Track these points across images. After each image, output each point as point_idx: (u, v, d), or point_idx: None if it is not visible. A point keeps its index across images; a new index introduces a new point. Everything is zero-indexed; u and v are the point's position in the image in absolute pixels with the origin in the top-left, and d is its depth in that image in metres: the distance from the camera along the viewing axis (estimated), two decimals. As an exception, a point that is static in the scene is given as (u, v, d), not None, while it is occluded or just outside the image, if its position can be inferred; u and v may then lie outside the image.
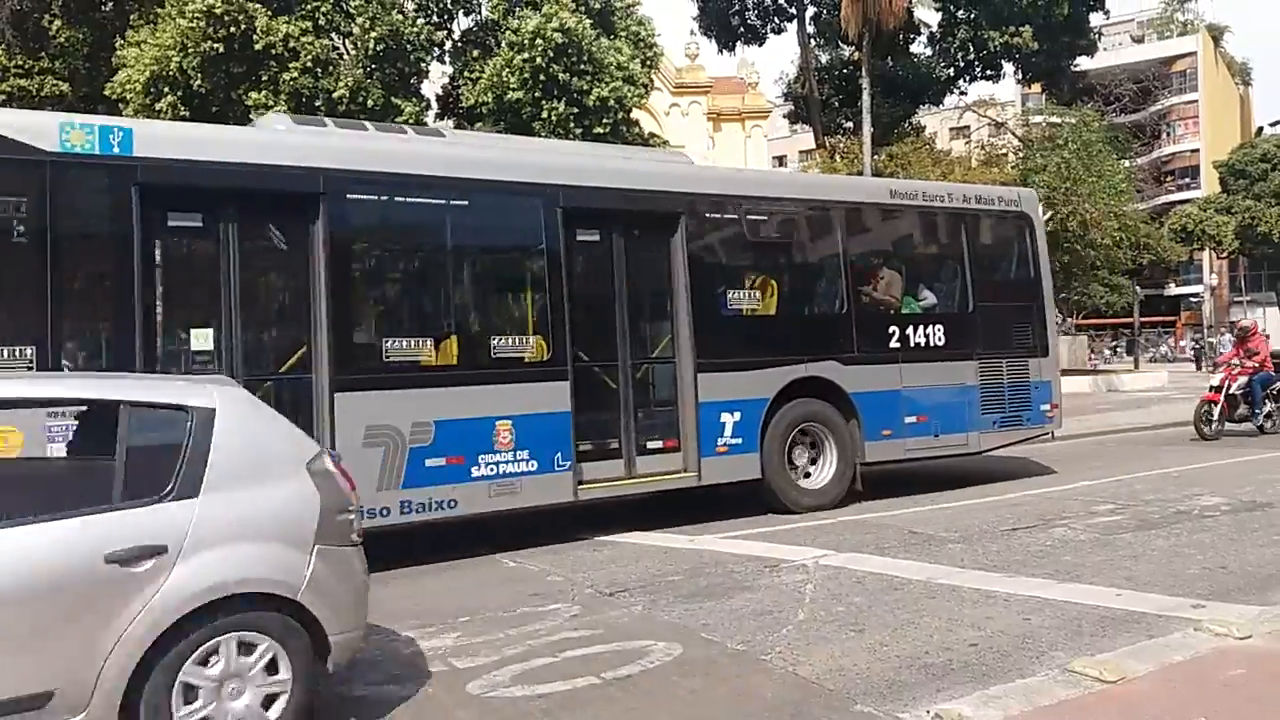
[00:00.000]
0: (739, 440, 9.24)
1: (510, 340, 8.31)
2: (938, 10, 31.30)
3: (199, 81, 17.32)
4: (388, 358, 7.70)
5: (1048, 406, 11.33)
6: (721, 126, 41.00)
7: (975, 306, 10.99)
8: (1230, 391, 14.97)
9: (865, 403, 9.98)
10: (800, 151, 50.93)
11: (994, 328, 11.01)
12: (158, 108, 17.04)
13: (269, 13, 17.36)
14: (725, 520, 9.23)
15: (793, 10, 32.41)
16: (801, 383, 9.62)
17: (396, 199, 8.07)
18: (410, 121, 18.64)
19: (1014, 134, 33.20)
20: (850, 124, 31.86)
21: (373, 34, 17.76)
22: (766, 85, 42.87)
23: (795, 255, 10.31)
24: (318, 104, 17.58)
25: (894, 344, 10.34)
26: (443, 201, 8.29)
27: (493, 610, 6.24)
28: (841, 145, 28.27)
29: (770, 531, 8.70)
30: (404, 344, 7.84)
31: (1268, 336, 17.44)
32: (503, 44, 18.74)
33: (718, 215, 9.65)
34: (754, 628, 5.65)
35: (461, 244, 8.55)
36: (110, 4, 21.87)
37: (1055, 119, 31.60)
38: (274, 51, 17.30)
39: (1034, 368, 11.26)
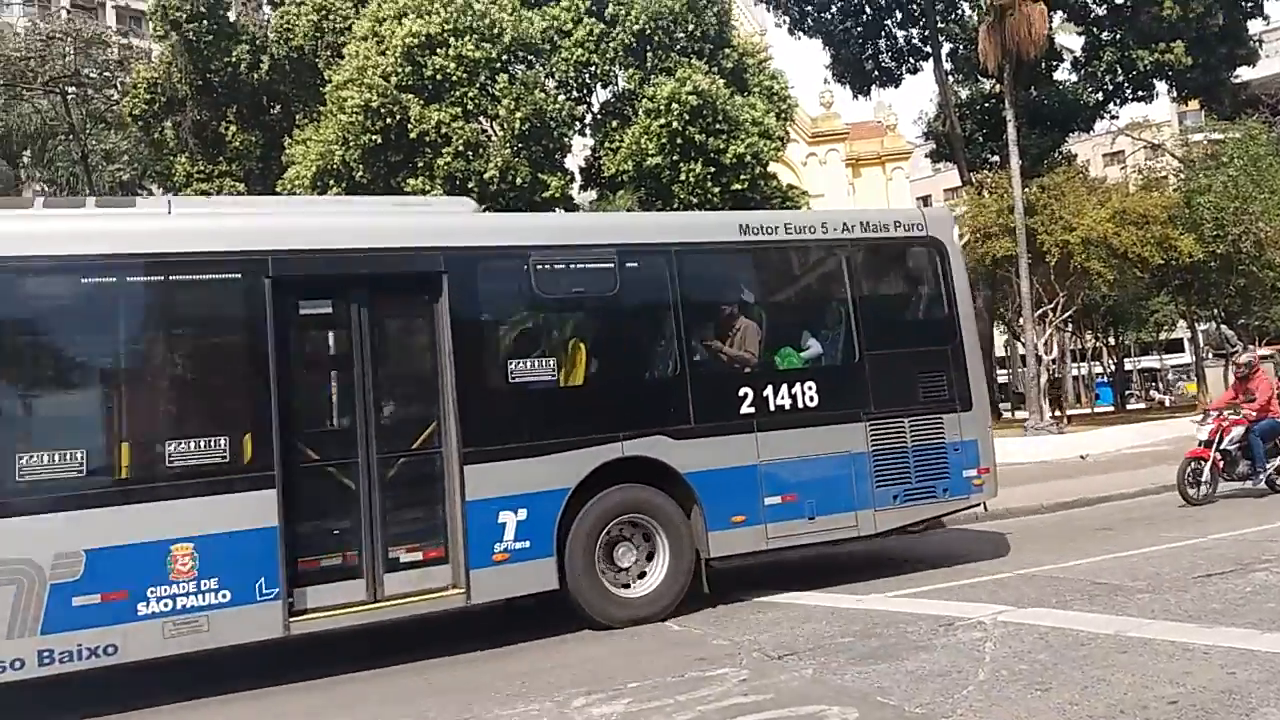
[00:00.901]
0: (526, 544, 7.58)
1: (192, 444, 6.88)
2: (1080, 34, 30.33)
3: (360, 172, 18.47)
4: (20, 476, 6.42)
5: (974, 472, 9.18)
6: (861, 172, 40.62)
7: (863, 356, 9.00)
8: (1223, 446, 12.04)
9: (706, 484, 8.20)
10: (945, 190, 49.95)
11: (891, 380, 9.01)
12: (322, 201, 18.22)
13: (421, 102, 18.41)
14: (893, 577, 8.98)
15: (927, 49, 32.04)
16: (618, 465, 7.97)
17: (57, 283, 6.90)
18: (556, 196, 19.38)
19: (1173, 155, 31.56)
20: (996, 158, 31.04)
21: (518, 114, 18.55)
22: (905, 126, 42.52)
23: (608, 312, 8.51)
24: (470, 185, 18.44)
25: (747, 409, 8.48)
26: (112, 281, 6.95)
27: (660, 675, 6.25)
28: (989, 180, 27.51)
29: (943, 588, 8.39)
30: (43, 458, 6.51)
31: None
32: (640, 112, 19.26)
33: (498, 272, 8.12)
34: (933, 689, 5.46)
35: (134, 330, 7.22)
36: (278, 107, 23.67)
37: (1217, 135, 29.91)
38: (428, 139, 18.31)
39: (951, 426, 9.11)
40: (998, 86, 28.23)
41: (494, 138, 19.82)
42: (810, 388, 8.76)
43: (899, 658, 6.20)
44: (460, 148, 18.47)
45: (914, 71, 33.44)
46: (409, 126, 18.28)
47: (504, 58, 19.09)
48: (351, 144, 18.35)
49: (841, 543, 9.04)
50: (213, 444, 6.92)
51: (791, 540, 8.64)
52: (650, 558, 8.15)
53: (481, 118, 19.66)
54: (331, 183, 18.53)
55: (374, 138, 18.28)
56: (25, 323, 6.91)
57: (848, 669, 6.06)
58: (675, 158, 18.68)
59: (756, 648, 6.81)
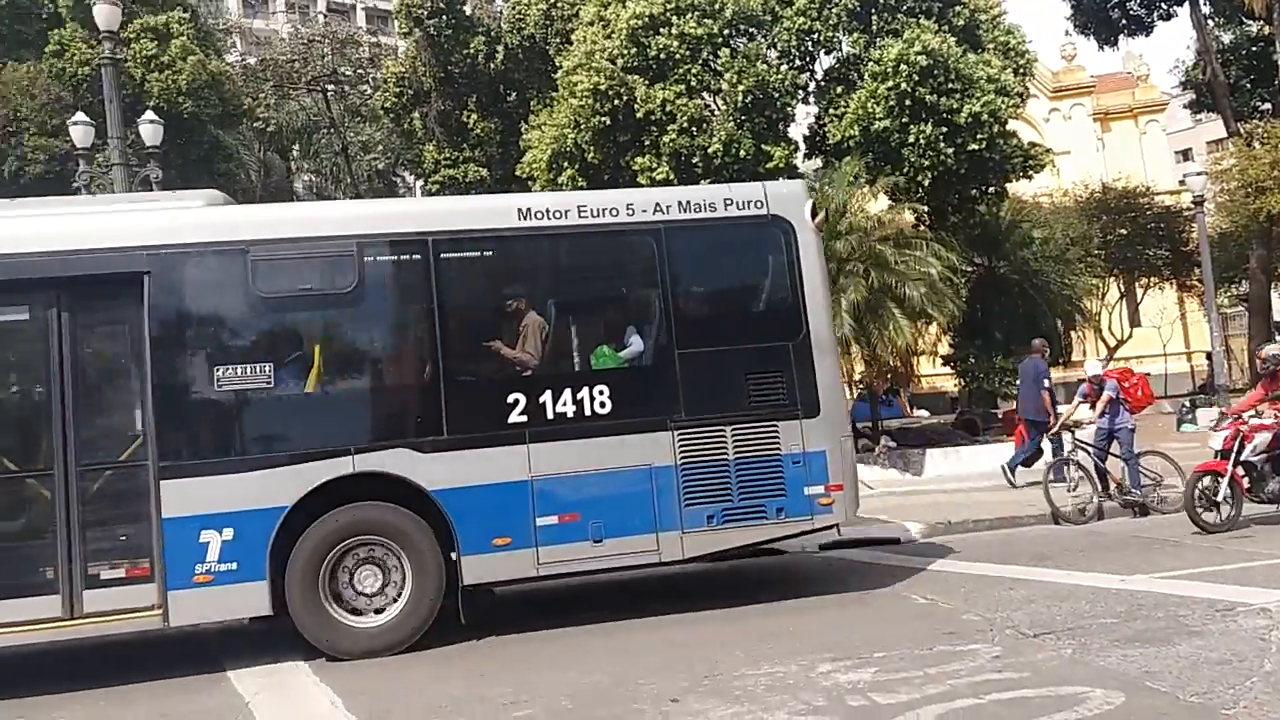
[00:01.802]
0: (233, 565, 7.00)
1: None
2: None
3: (591, 153, 19.03)
4: None
5: (820, 489, 7.89)
6: (1111, 126, 37.77)
7: (672, 355, 7.95)
8: (1244, 458, 9.69)
9: (459, 503, 7.33)
10: (1208, 143, 45.53)
11: (709, 382, 7.92)
12: (559, 181, 18.92)
13: (646, 82, 18.70)
14: (1162, 560, 8.41)
15: (1183, -9, 29.27)
16: (351, 481, 7.25)
17: None
18: (780, 166, 19.25)
19: None
20: (1267, 105, 28.02)
21: (740, 88, 18.49)
22: (1158, 76, 38.99)
23: (344, 312, 7.82)
24: (694, 160, 18.61)
25: (517, 417, 7.55)
26: None
27: (907, 647, 6.15)
28: (1260, 130, 24.88)
29: (1217, 571, 7.77)
30: None
31: None
32: (865, 76, 18.73)
33: (208, 270, 7.45)
34: (1210, 678, 5.08)
35: None
36: (514, 95, 24.77)
37: None
38: (653, 117, 18.58)
39: (789, 435, 7.88)
40: (1266, 28, 25.43)
41: (717, 112, 19.87)
42: (601, 392, 7.70)
43: (1169, 642, 5.81)
44: (684, 124, 18.62)
45: (1166, 17, 30.58)
46: (635, 106, 18.61)
47: (725, 32, 19.06)
48: (583, 126, 18.91)
49: (642, 568, 8.05)
50: None
51: (571, 566, 7.65)
52: (397, 586, 7.33)
53: (704, 93, 19.75)
54: (565, 164, 19.20)
55: (603, 119, 18.75)
56: None
57: (1111, 650, 5.75)
58: (904, 120, 18.02)
59: (1010, 625, 6.57)
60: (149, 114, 17.77)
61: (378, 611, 7.30)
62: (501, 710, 5.54)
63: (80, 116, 17.62)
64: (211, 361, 7.35)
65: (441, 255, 7.74)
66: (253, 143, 31.76)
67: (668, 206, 8.20)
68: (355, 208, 9.57)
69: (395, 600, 7.30)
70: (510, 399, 7.57)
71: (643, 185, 19.07)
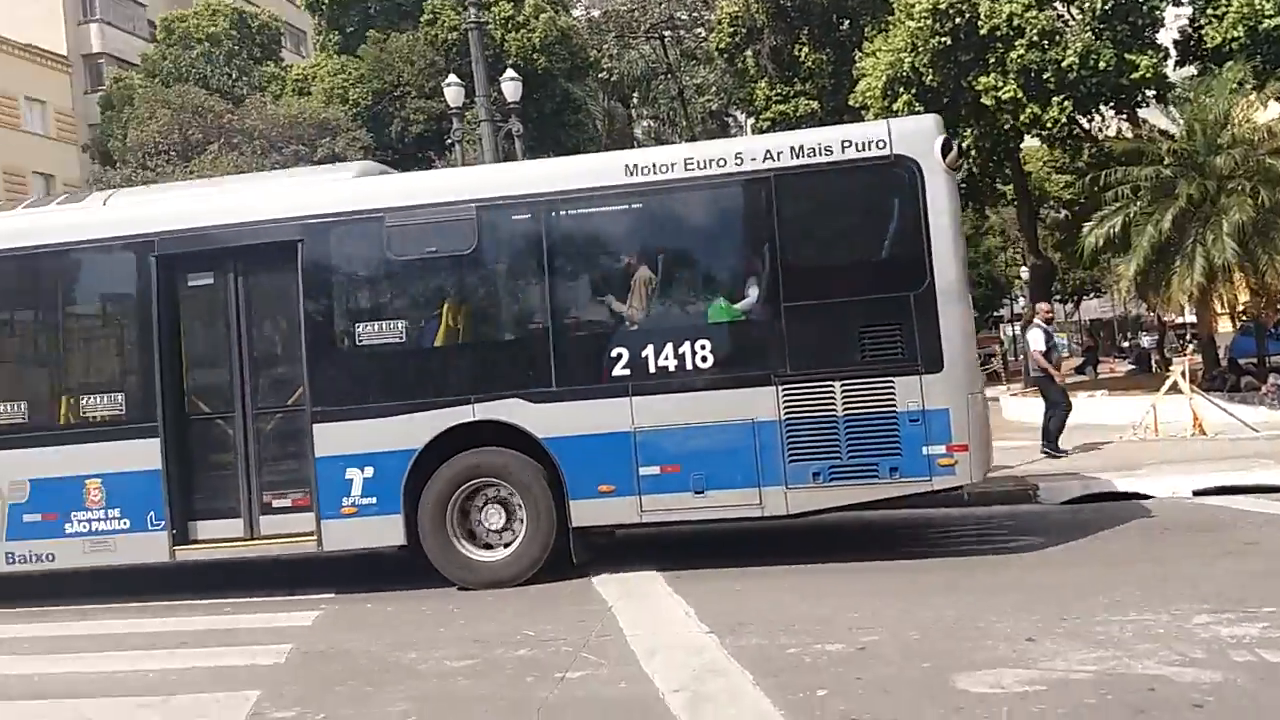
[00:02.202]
0: (373, 500, 7.77)
1: (98, 399, 8.34)
2: None
3: (930, 76, 18.26)
4: None
5: (940, 449, 7.33)
6: None
7: (780, 309, 7.67)
8: None
9: (566, 451, 7.65)
10: None
11: (817, 335, 7.65)
12: (895, 108, 18.34)
13: (990, -4, 17.56)
14: None
15: None
16: (472, 428, 7.75)
17: (12, 271, 8.59)
18: (1146, 76, 17.42)
19: None
20: None
21: (1101, -7, 16.88)
22: None
23: (465, 272, 8.30)
24: (1046, 76, 17.29)
25: (621, 369, 7.67)
26: (44, 268, 8.65)
27: (1302, 605, 5.55)
28: None
29: None
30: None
31: None
32: (1256, -35, 16.36)
33: (349, 237, 8.21)
34: None
35: (60, 308, 8.91)
36: (847, 23, 24.19)
37: None
38: (999, 33, 17.45)
39: (907, 391, 7.37)
40: None
41: (1071, 22, 18.27)
42: (703, 347, 7.65)
43: None
44: (1034, 38, 17.32)
45: None
46: (978, 23, 17.55)
47: (1083, -68, 17.41)
48: (920, 49, 18.17)
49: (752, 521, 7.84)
50: (113, 399, 8.36)
51: (673, 515, 7.78)
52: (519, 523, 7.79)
53: (1056, 3, 18.23)
54: (901, 90, 18.57)
55: (943, 39, 17.88)
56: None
57: None
58: (1308, 14, 15.62)
59: None
60: (509, 72, 19.24)
61: (505, 546, 7.86)
62: (848, 633, 5.67)
63: (452, 78, 19.45)
64: (353, 319, 8.25)
65: (551, 215, 8.06)
66: (597, 93, 33.52)
67: (779, 154, 7.85)
68: (475, 174, 10.06)
69: (511, 540, 7.84)
70: (614, 353, 7.79)
71: (987, 107, 18.05)
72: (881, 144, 7.70)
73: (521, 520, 7.85)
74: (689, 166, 7.92)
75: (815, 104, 24.09)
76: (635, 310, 8.00)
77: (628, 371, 7.75)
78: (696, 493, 7.67)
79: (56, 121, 41.68)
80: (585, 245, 8.42)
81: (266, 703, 5.20)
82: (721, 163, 7.97)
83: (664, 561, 7.86)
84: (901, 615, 6.00)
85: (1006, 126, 18.56)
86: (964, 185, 20.58)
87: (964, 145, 18.55)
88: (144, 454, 8.14)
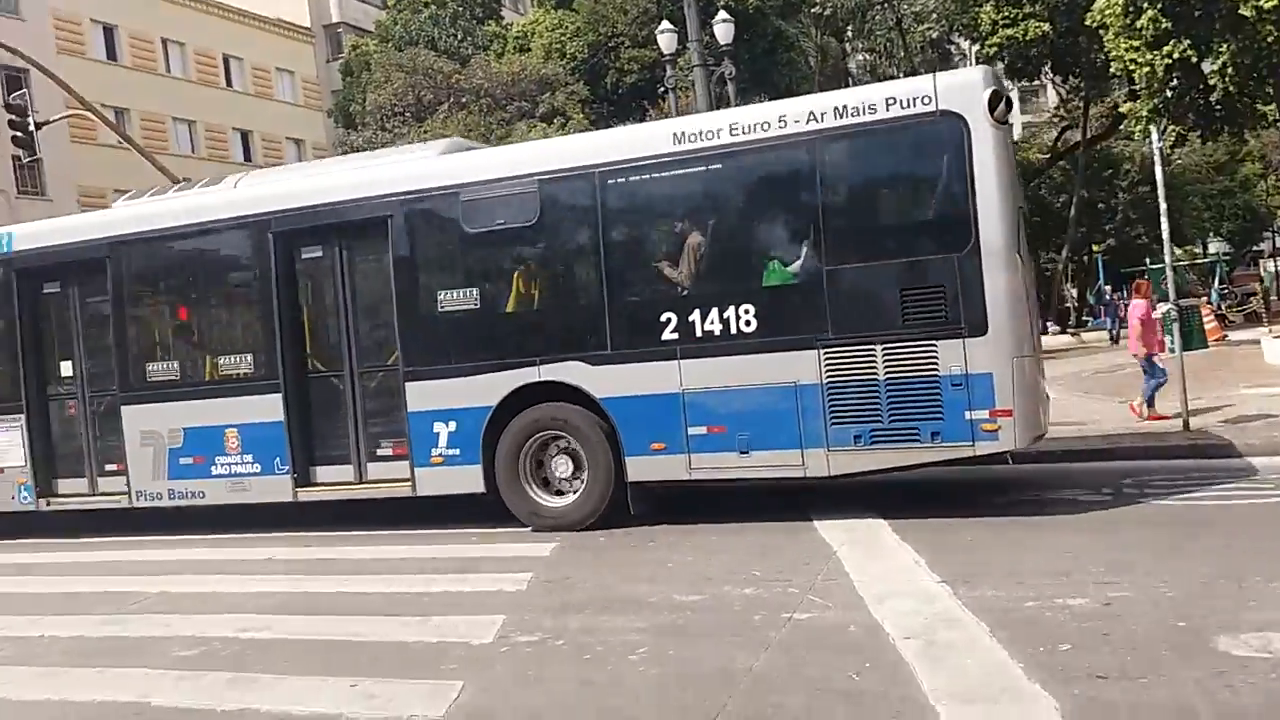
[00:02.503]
0: (456, 451, 8.63)
1: (232, 359, 9.68)
2: None
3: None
4: (150, 378, 9.88)
5: (984, 414, 7.20)
6: None
7: (822, 272, 7.66)
8: None
9: (621, 410, 8.15)
10: None
11: (858, 298, 7.63)
12: (1138, 25, 16.80)
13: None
14: None
15: None
16: (538, 388, 8.41)
17: (163, 248, 10.05)
18: None
19: None
20: None
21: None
22: None
23: (530, 242, 8.70)
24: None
25: (670, 334, 8.03)
26: (187, 245, 10.01)
27: None
28: None
29: None
30: (158, 366, 9.98)
31: None
32: None
33: (429, 211, 8.97)
34: None
35: (201, 279, 10.17)
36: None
37: None
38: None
39: (950, 355, 7.28)
40: None
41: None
42: (747, 311, 7.83)
43: None
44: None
45: None
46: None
47: None
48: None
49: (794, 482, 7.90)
50: (244, 359, 9.65)
51: (720, 473, 8.07)
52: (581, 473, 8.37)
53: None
54: (1145, 5, 16.93)
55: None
56: (148, 281, 10.49)
57: None
58: None
59: None
60: (721, 14, 19.06)
61: (574, 493, 8.46)
62: (1093, 588, 5.40)
63: (665, 25, 19.48)
64: (435, 287, 8.91)
65: (605, 185, 8.32)
66: (810, 29, 32.62)
67: (822, 114, 7.74)
68: (536, 148, 10.13)
69: (575, 489, 8.47)
70: (663, 318, 8.08)
71: (1245, 18, 16.24)
72: (927, 99, 7.47)
73: (581, 471, 8.44)
74: (734, 132, 8.00)
75: (1046, 26, 22.42)
76: (684, 276, 8.19)
77: (676, 335, 8.07)
78: (741, 453, 7.94)
79: (304, 89, 45.04)
80: (636, 214, 8.62)
81: (511, 626, 5.56)
82: (765, 126, 7.92)
83: (887, 509, 7.74)
84: (1150, 571, 5.65)
85: (1270, 40, 16.62)
86: (1219, 107, 18.70)
87: (1221, 63, 16.82)
88: (270, 407, 9.32)
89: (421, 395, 8.83)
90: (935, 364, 7.38)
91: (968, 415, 7.31)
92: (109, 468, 10.25)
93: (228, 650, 5.59)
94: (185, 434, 9.72)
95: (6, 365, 10.72)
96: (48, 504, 10.54)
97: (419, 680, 4.79)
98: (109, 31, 37.03)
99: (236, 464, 9.50)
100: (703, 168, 8.19)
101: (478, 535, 8.51)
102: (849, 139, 7.77)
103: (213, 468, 9.57)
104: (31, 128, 18.96)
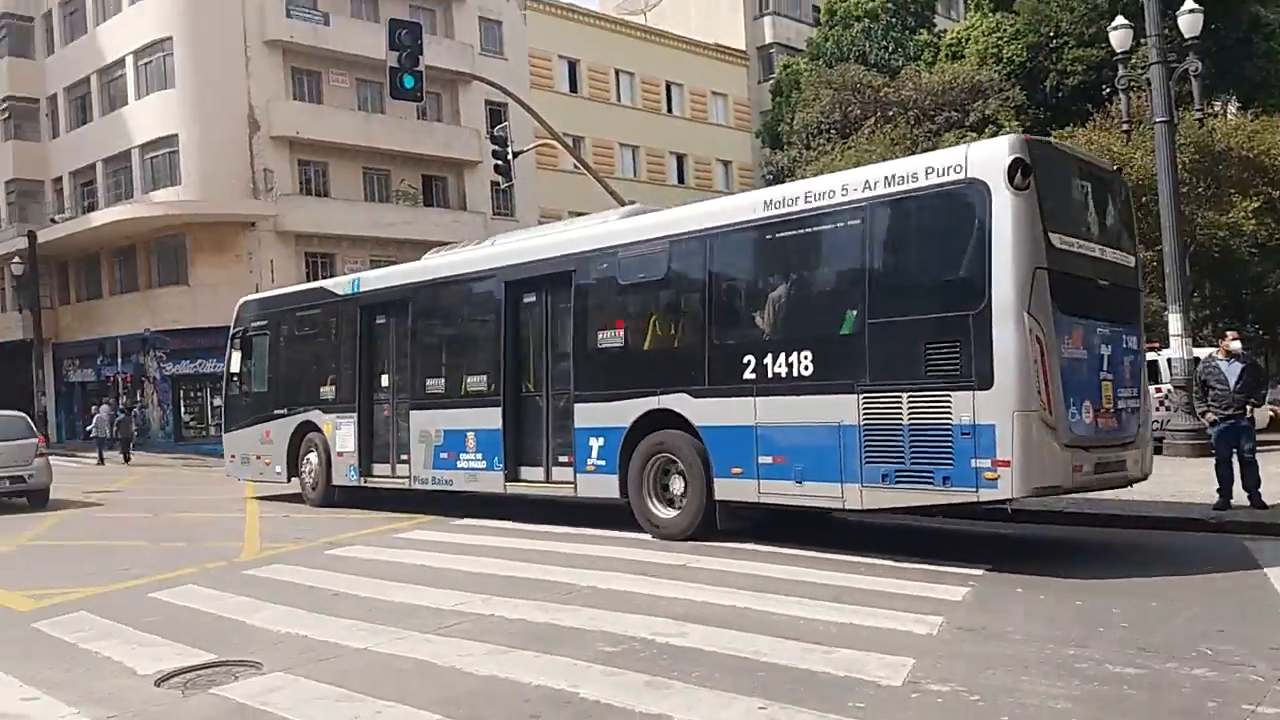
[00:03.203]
0: (603, 462, 10.55)
1: (475, 378, 12.43)
2: None
3: None
4: (427, 390, 13.03)
5: (986, 463, 7.63)
6: None
7: (865, 324, 8.45)
8: None
9: (713, 437, 9.58)
10: None
11: (891, 349, 8.30)
12: None
13: None
14: None
15: None
16: (655, 414, 10.04)
17: (439, 292, 13.32)
18: None
19: None
20: None
21: None
22: None
23: (659, 294, 10.59)
24: None
25: (749, 375, 9.27)
26: (450, 289, 13.13)
27: None
28: None
29: None
30: (433, 382, 13.08)
31: None
32: None
33: (598, 267, 10.90)
34: None
35: (458, 317, 13.34)
36: None
37: None
38: None
39: (960, 405, 7.79)
40: None
41: None
42: (806, 357, 8.86)
43: None
44: None
45: None
46: None
47: None
48: None
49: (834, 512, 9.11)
50: (481, 380, 12.28)
51: (780, 499, 9.10)
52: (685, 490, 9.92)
53: None
54: None
55: None
56: (426, 324, 13.53)
57: None
58: None
59: None
60: (1188, 3, 16.98)
61: (679, 508, 10.04)
62: None
63: (1120, 21, 17.77)
64: (597, 328, 10.89)
65: (712, 246, 9.89)
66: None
67: (875, 183, 8.63)
68: (668, 215, 10.96)
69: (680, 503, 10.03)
70: (744, 360, 9.36)
71: None
72: (959, 168, 8.12)
73: (686, 487, 9.93)
74: (808, 199, 9.13)
75: None
76: (764, 324, 9.47)
77: (754, 376, 9.27)
78: (797, 482, 8.95)
79: (735, 111, 47.21)
80: (733, 270, 10.05)
81: (921, 671, 5.32)
82: (831, 194, 8.94)
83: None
84: None
85: None
86: None
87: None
88: (495, 417, 11.82)
89: (584, 415, 10.86)
90: (949, 413, 7.95)
91: (973, 463, 7.82)
92: (402, 458, 13.32)
93: (645, 652, 5.93)
94: (445, 435, 12.56)
95: (349, 376, 14.16)
96: (365, 481, 13.87)
97: (826, 714, 4.72)
98: (572, 66, 41.52)
99: (472, 460, 12.16)
100: (783, 232, 9.35)
101: (885, 568, 8.29)
102: (894, 204, 8.55)
103: (458, 461, 12.35)
104: (510, 157, 21.68)
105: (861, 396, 8.46)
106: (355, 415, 13.92)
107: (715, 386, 9.62)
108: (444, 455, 12.49)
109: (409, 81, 18.08)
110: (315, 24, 33.19)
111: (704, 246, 9.99)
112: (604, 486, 10.56)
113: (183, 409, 32.90)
